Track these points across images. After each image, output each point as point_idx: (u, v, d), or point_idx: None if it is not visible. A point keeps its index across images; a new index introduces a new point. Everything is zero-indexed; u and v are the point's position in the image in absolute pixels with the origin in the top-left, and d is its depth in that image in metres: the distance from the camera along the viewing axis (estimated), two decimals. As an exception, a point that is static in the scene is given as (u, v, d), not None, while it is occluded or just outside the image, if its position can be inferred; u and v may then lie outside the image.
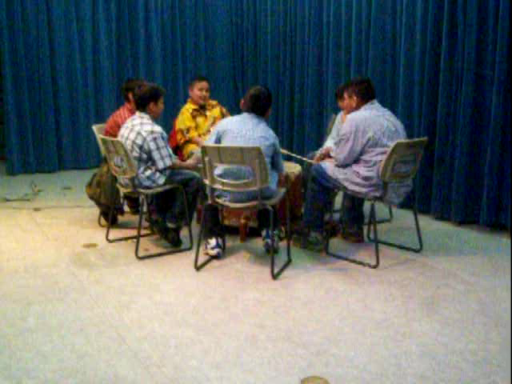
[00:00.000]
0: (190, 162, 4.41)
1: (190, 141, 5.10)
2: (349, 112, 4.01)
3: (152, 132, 3.94)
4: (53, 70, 7.17)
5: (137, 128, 3.97)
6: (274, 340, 2.76)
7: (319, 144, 5.02)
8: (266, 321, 2.97)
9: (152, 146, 3.94)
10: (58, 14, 7.11)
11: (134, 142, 3.95)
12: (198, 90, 5.16)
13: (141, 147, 3.94)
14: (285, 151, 4.82)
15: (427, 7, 4.82)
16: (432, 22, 4.78)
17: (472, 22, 4.41)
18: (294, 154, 4.98)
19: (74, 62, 7.28)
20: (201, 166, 3.82)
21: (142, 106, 4.06)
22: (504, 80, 4.25)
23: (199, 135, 5.11)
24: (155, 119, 4.10)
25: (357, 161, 3.83)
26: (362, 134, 3.76)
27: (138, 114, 4.08)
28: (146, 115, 4.05)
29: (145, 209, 4.34)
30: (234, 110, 4.98)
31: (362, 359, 2.58)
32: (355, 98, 3.94)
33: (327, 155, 4.36)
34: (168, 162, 4.00)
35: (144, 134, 3.94)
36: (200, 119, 5.18)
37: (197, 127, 5.15)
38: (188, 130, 5.10)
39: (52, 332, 2.85)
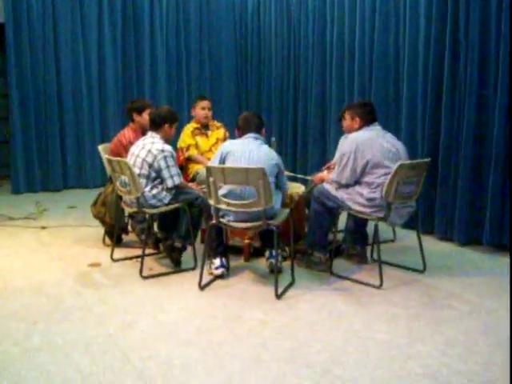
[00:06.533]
0: (194, 186, 4.46)
1: (189, 159, 5.14)
2: (350, 133, 4.07)
3: (163, 151, 4.00)
4: (58, 89, 7.27)
5: (148, 146, 4.03)
6: (278, 360, 2.76)
7: (322, 166, 5.05)
8: (269, 341, 2.97)
9: (162, 164, 3.98)
10: (65, 35, 7.23)
11: (144, 160, 4.00)
12: (201, 108, 5.23)
13: (150, 165, 3.99)
14: (289, 174, 4.86)
15: (429, 30, 4.88)
16: (434, 45, 4.84)
17: (474, 44, 4.46)
18: (299, 175, 5.02)
19: (79, 82, 7.38)
20: (205, 189, 3.85)
21: (156, 125, 4.12)
22: (506, 101, 4.28)
23: (200, 154, 5.14)
24: (166, 142, 4.14)
25: (359, 183, 3.86)
26: (362, 155, 3.79)
27: (149, 133, 4.13)
28: (157, 135, 4.11)
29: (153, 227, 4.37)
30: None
31: (365, 380, 2.57)
32: (358, 119, 4.00)
33: (330, 168, 4.41)
34: (177, 181, 4.04)
35: (155, 152, 3.99)
36: (200, 138, 5.22)
37: (197, 146, 5.19)
38: (188, 147, 5.14)
39: (57, 351, 2.86)
